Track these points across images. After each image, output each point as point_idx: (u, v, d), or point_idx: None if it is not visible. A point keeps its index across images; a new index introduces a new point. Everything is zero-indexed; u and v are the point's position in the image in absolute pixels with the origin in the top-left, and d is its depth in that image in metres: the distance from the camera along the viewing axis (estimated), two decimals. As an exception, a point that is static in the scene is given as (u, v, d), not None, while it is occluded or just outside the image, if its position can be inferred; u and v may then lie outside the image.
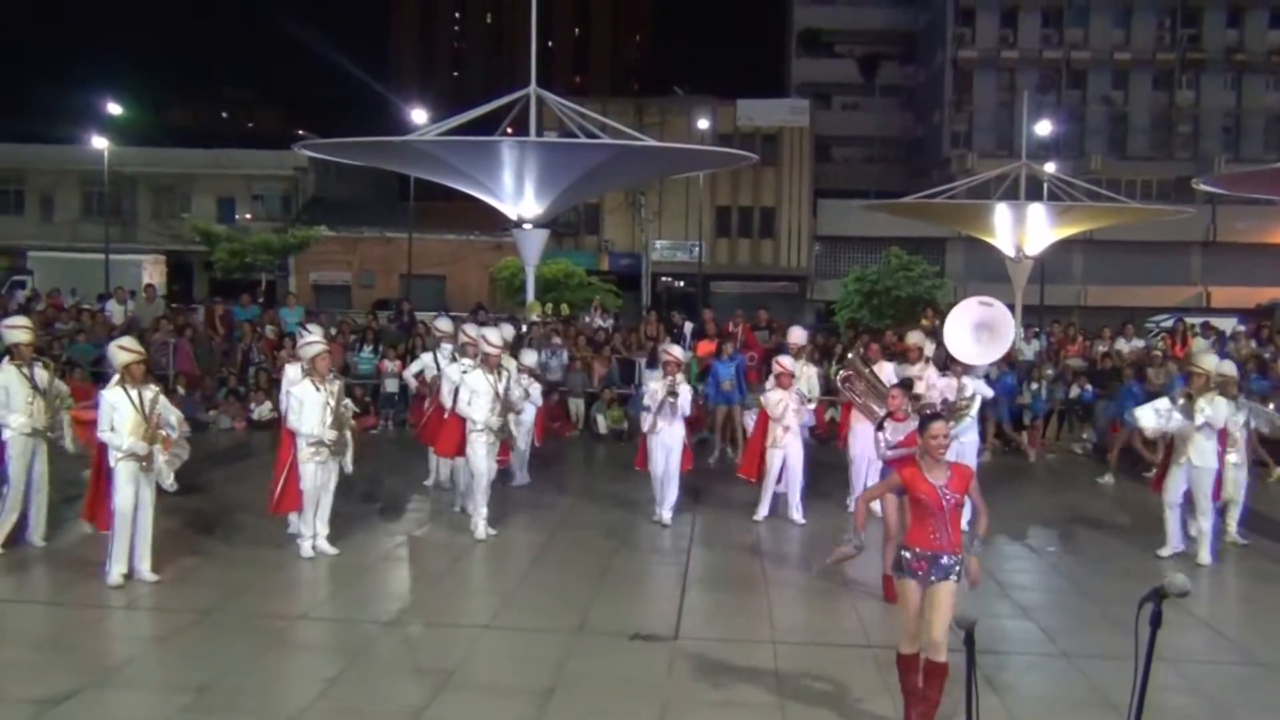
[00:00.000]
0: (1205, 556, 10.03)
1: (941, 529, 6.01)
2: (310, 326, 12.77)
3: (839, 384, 11.24)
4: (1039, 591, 9.57)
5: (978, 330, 11.27)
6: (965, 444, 11.02)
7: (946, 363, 11.85)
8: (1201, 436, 9.91)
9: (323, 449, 9.48)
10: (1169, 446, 10.36)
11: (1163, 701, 5.93)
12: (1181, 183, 43.84)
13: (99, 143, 40.66)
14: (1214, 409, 9.89)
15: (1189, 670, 7.19)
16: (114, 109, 40.95)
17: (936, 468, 6.08)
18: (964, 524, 6.69)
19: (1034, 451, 16.35)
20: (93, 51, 69.00)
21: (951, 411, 10.86)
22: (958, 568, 6.03)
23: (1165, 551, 10.23)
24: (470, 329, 11.80)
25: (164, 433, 8.51)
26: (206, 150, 50.48)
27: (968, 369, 11.18)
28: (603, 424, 17.53)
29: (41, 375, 9.45)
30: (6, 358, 9.49)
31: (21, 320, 9.87)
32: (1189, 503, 10.16)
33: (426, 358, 13.22)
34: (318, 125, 49.90)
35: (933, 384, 11.91)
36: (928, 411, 7.05)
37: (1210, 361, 10.63)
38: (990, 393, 11.86)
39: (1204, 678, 7.19)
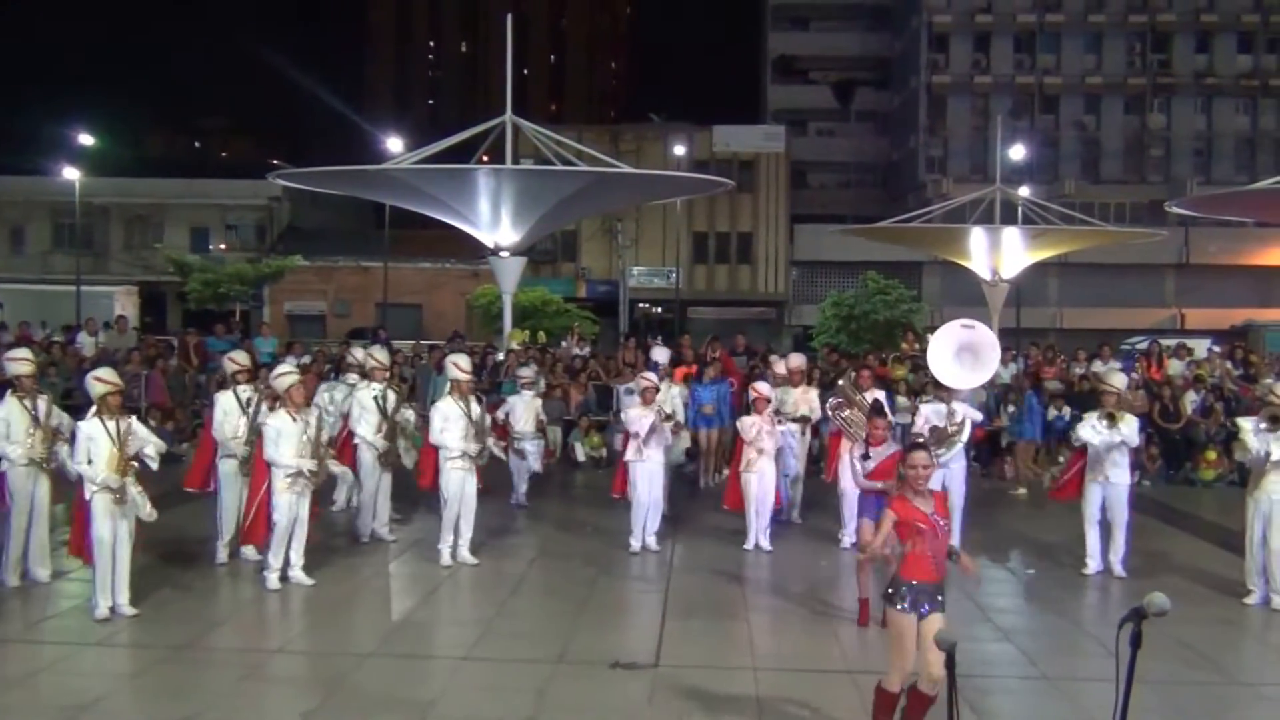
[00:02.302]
0: (1119, 568, 10.39)
1: (939, 557, 5.98)
2: (376, 351, 12.67)
3: (829, 412, 11.22)
4: (1019, 614, 9.57)
5: (961, 354, 11.30)
6: (953, 470, 11.05)
7: (933, 388, 11.92)
8: (1117, 454, 10.31)
9: (300, 479, 9.43)
10: (1079, 458, 10.71)
11: (1145, 724, 5.92)
12: (1154, 206, 44.32)
13: (70, 173, 40.39)
14: (1128, 427, 10.31)
15: (1170, 691, 7.16)
16: (85, 139, 40.75)
17: (921, 497, 6.06)
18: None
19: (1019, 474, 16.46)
20: (63, 81, 68.86)
21: (940, 438, 10.89)
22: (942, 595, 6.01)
23: (1089, 569, 10.48)
24: (378, 352, 12.00)
25: (136, 465, 8.40)
26: (179, 180, 50.24)
27: (954, 394, 11.19)
28: (581, 451, 17.48)
29: (43, 407, 9.41)
30: (9, 390, 9.44)
31: (25, 353, 9.83)
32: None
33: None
34: (292, 154, 49.88)
35: (814, 405, 12.31)
36: (916, 441, 7.04)
37: (1120, 380, 11.03)
38: (980, 417, 11.92)
39: (1185, 698, 7.18)
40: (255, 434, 10.06)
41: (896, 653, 5.96)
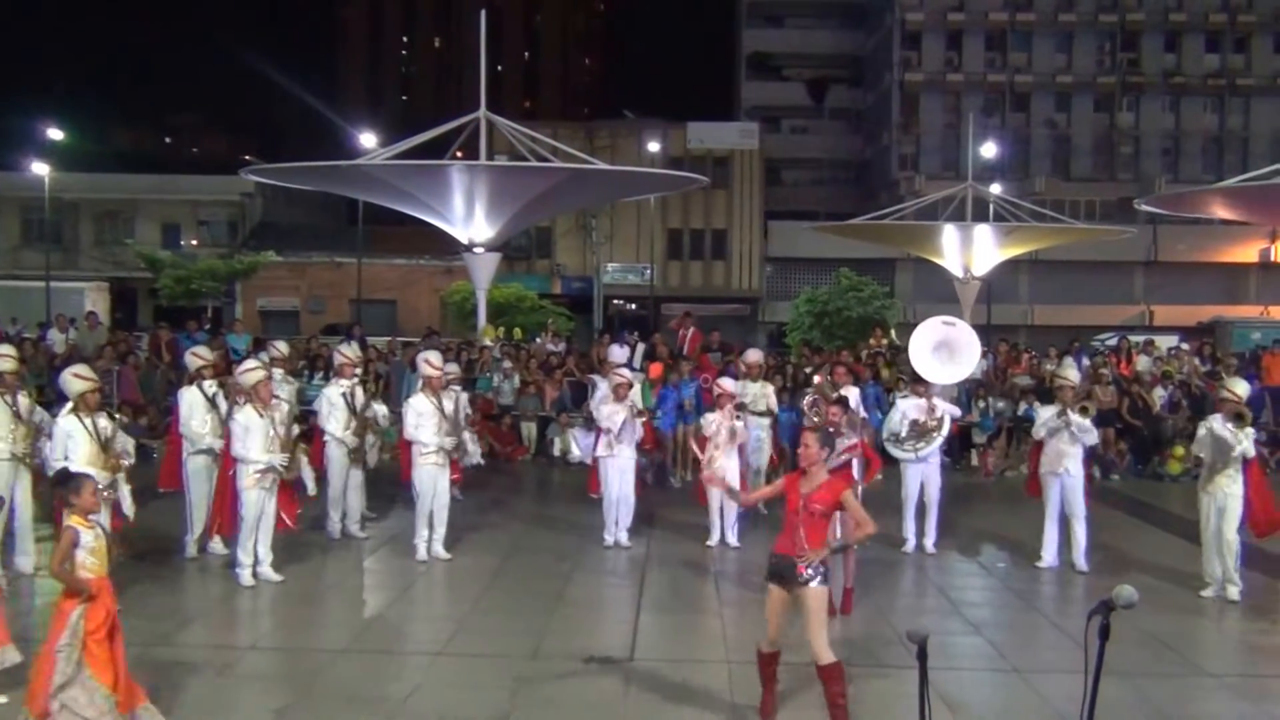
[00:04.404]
0: (1081, 563, 10.48)
1: (795, 535, 6.26)
2: (278, 344, 12.96)
3: (804, 409, 11.29)
4: (990, 607, 9.65)
5: (939, 350, 11.39)
6: (930, 465, 11.14)
7: (911, 383, 12.01)
8: (1070, 446, 10.42)
9: (270, 475, 9.43)
10: (1036, 453, 10.85)
11: (1112, 714, 5.98)
12: (1124, 203, 44.75)
13: (39, 168, 39.98)
14: (1086, 421, 10.41)
15: (1138, 682, 7.25)
16: (54, 134, 40.32)
17: (807, 477, 6.36)
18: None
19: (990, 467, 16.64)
20: (32, 75, 68.07)
21: (920, 433, 10.99)
22: (820, 572, 6.25)
23: (1042, 563, 10.62)
24: (346, 349, 12.03)
25: (125, 462, 8.37)
26: (150, 175, 49.81)
27: (932, 389, 11.28)
28: (558, 447, 17.42)
29: (24, 403, 9.42)
30: None
31: (8, 350, 9.77)
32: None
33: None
34: (265, 150, 49.47)
35: (773, 401, 12.40)
36: (809, 424, 7.32)
37: (1074, 373, 11.22)
38: (959, 412, 12.03)
39: (1153, 689, 7.26)
40: (224, 427, 10.11)
41: (767, 619, 6.40)
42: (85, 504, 5.84)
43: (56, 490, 5.97)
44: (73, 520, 5.76)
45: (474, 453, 13.26)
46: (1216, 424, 9.56)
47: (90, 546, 5.75)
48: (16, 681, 6.52)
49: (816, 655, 6.17)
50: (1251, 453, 9.46)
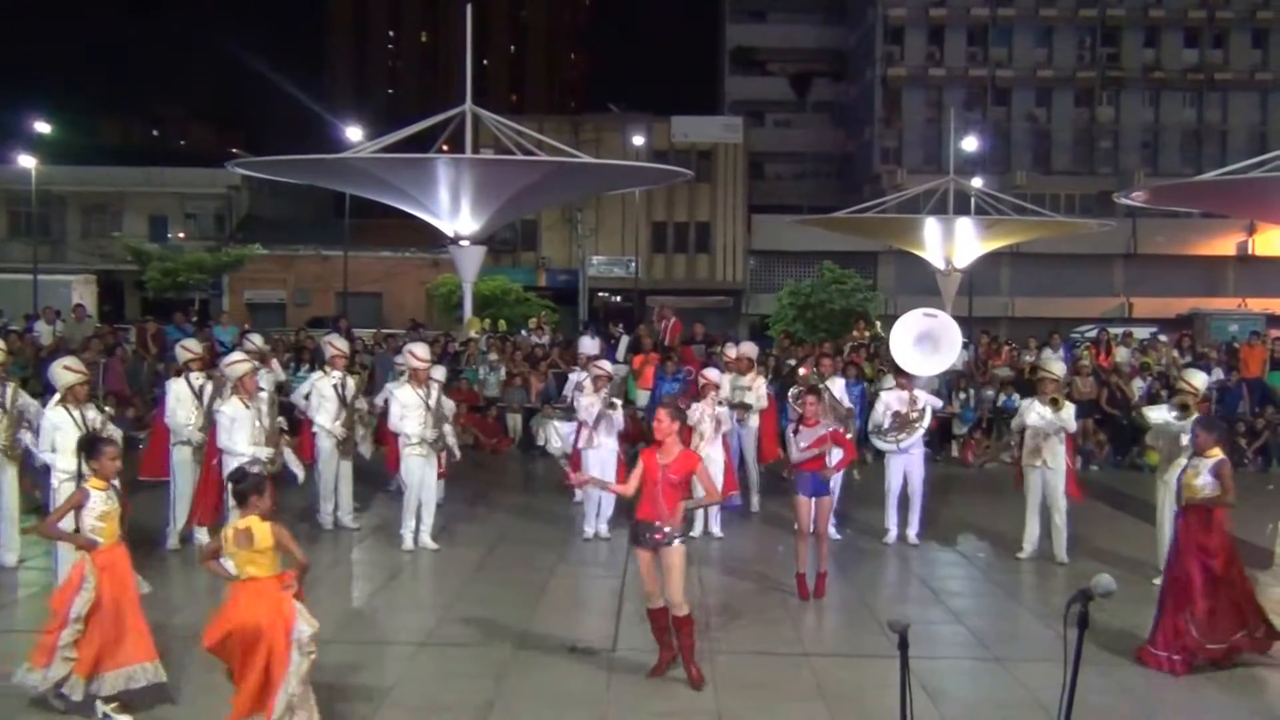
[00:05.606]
0: (1061, 554, 10.59)
1: (656, 502, 6.92)
2: (253, 337, 12.99)
3: (791, 401, 11.36)
4: (971, 597, 9.76)
5: (922, 341, 11.48)
6: (913, 456, 11.25)
7: (894, 374, 12.14)
8: (1056, 440, 10.54)
9: (258, 464, 9.48)
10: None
11: (1091, 702, 6.10)
12: (1103, 196, 44.95)
13: (26, 161, 39.77)
14: (1067, 413, 10.57)
15: (1116, 670, 7.38)
16: (41, 126, 40.12)
17: (663, 450, 7.04)
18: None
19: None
20: (19, 68, 67.61)
21: (901, 424, 11.10)
22: (678, 533, 6.94)
23: (1024, 554, 10.71)
24: (337, 340, 12.07)
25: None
26: (137, 168, 49.61)
27: (915, 381, 11.38)
28: (542, 438, 17.39)
29: (9, 394, 9.39)
30: None
31: None
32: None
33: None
34: (251, 142, 49.43)
35: (762, 394, 12.48)
36: (662, 402, 8.32)
37: (1059, 368, 11.37)
38: (940, 404, 12.12)
39: (1131, 678, 7.38)
40: (209, 421, 10.12)
41: (644, 580, 7.05)
42: (266, 506, 5.94)
43: (235, 489, 6.04)
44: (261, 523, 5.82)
45: (453, 446, 13.24)
46: (1161, 413, 9.78)
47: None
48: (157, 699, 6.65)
49: (676, 607, 6.89)
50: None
